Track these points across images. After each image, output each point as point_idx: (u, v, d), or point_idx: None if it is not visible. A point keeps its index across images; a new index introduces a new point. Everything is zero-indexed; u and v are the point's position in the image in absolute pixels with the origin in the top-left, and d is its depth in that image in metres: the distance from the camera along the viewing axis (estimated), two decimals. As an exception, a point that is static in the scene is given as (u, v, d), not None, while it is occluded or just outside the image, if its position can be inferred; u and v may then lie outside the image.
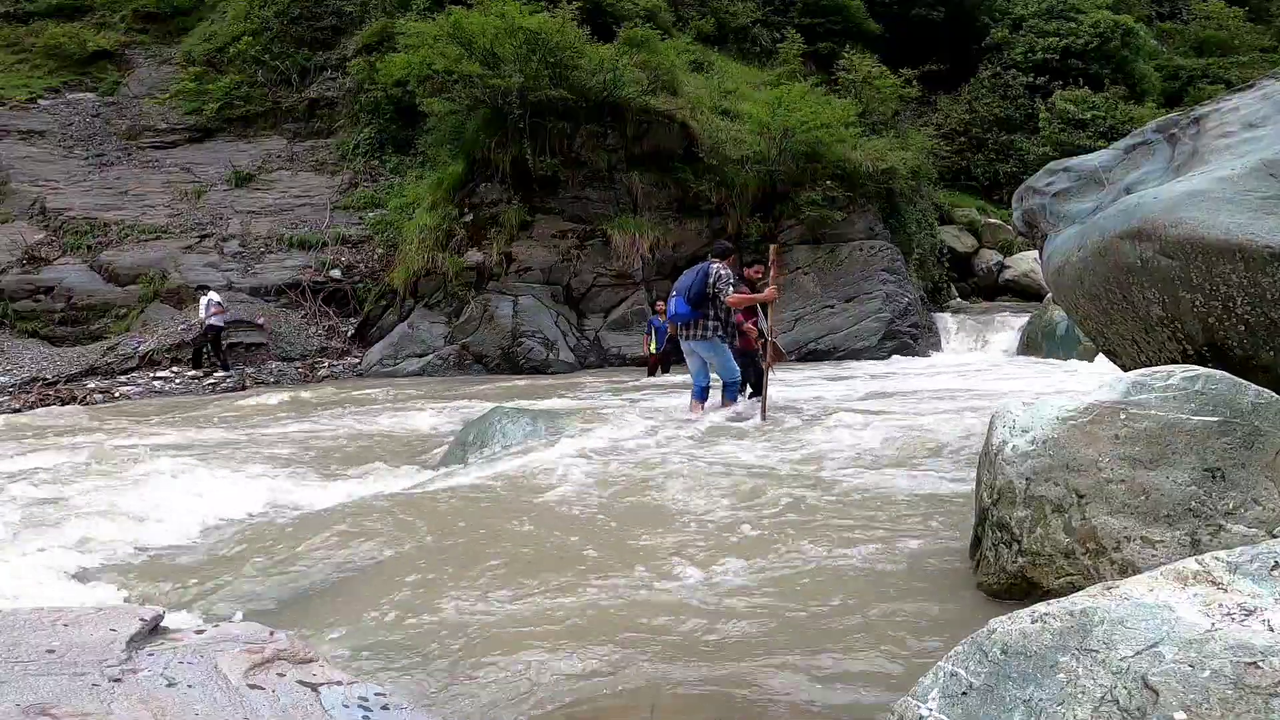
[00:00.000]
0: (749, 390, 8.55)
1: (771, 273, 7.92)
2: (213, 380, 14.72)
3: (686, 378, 9.01)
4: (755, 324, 8.60)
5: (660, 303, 14.59)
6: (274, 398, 12.25)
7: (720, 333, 7.65)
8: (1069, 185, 5.55)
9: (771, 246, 8.30)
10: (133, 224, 17.82)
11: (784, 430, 7.36)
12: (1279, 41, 31.15)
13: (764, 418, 7.54)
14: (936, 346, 15.91)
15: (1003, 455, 3.47)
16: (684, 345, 8.00)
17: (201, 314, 15.02)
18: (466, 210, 16.30)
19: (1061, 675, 1.67)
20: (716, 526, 4.67)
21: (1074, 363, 12.67)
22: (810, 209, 16.18)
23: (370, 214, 18.60)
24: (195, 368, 15.05)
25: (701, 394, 8.14)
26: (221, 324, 15.13)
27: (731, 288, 7.54)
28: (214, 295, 15.22)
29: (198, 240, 17.87)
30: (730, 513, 4.90)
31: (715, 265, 7.63)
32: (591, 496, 5.35)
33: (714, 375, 8.17)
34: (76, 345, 15.82)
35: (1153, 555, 3.02)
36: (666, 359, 13.57)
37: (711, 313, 7.60)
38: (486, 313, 15.34)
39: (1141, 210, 4.49)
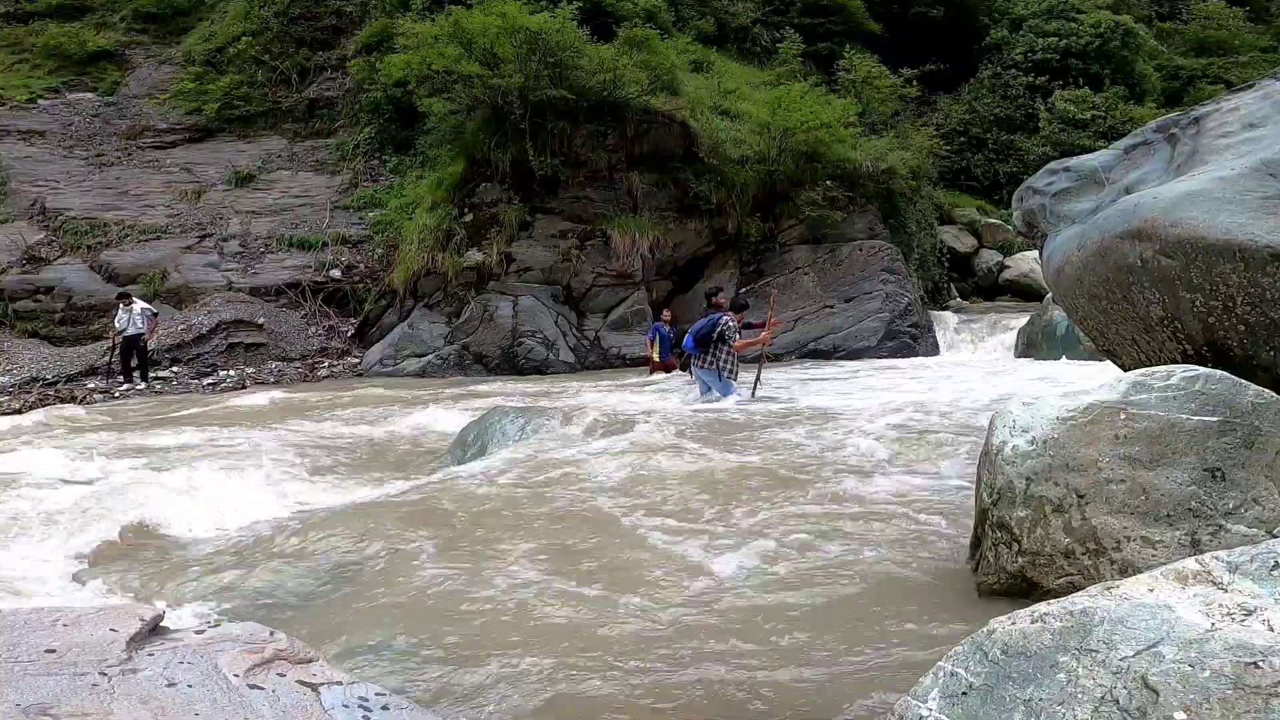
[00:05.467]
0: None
1: (770, 315, 10.39)
2: (212, 380, 14.71)
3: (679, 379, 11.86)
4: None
5: (666, 311, 14.51)
6: (274, 398, 12.25)
7: (717, 365, 9.60)
8: (1069, 185, 5.55)
9: (772, 293, 11.70)
10: (133, 224, 17.81)
11: (783, 427, 7.36)
12: (1279, 41, 31.12)
13: (753, 394, 9.73)
14: (936, 347, 15.89)
15: (1003, 455, 3.47)
16: (694, 371, 10.07)
17: (138, 324, 14.17)
18: (466, 210, 16.28)
19: (1061, 675, 1.67)
20: (715, 523, 4.67)
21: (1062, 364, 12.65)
22: (810, 209, 16.16)
23: (370, 214, 18.57)
24: (128, 380, 14.16)
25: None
26: (143, 332, 14.28)
27: (739, 335, 9.74)
28: (145, 304, 14.57)
29: (198, 240, 17.86)
30: (728, 510, 4.90)
31: (725, 318, 9.57)
32: (592, 494, 5.35)
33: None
34: (76, 345, 15.81)
35: (1153, 555, 3.02)
36: (671, 366, 13.44)
37: (712, 351, 9.56)
38: (486, 313, 15.32)
39: (1141, 210, 4.49)
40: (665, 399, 10.38)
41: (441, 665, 3.10)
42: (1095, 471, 3.22)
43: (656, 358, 13.35)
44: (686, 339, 9.84)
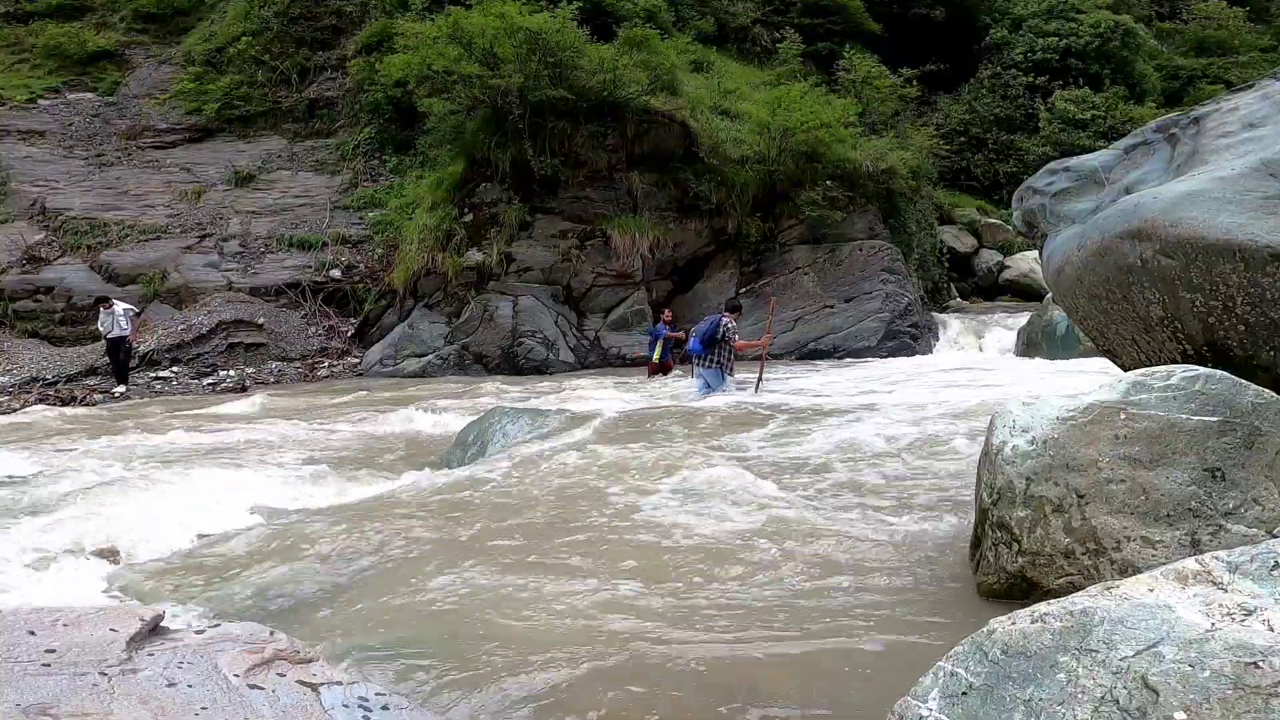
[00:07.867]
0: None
1: (768, 322, 11.13)
2: (212, 380, 14.71)
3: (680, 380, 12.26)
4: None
5: (667, 312, 14.47)
6: (273, 398, 12.25)
7: (718, 365, 10.24)
8: (1069, 185, 5.54)
9: (771, 300, 12.55)
10: (133, 224, 17.80)
11: (782, 425, 7.36)
12: (1279, 41, 31.11)
13: (756, 389, 10.29)
14: (936, 346, 15.90)
15: (1003, 455, 3.47)
16: (696, 370, 10.64)
17: (122, 325, 14.09)
18: (466, 210, 16.28)
19: (1061, 675, 1.67)
20: (711, 520, 4.66)
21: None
22: (810, 209, 16.16)
23: (370, 214, 18.57)
24: (121, 382, 14.06)
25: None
26: (127, 333, 14.20)
27: (738, 337, 10.46)
28: (128, 305, 14.51)
29: (198, 240, 17.85)
30: (728, 508, 4.89)
31: (726, 319, 10.24)
32: (594, 494, 5.35)
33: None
34: (76, 345, 15.81)
35: (1153, 555, 3.02)
36: (669, 368, 13.41)
37: (716, 352, 10.17)
38: (486, 313, 15.32)
39: (1141, 210, 4.49)
40: (665, 398, 10.38)
41: (443, 665, 3.10)
42: (1095, 471, 3.22)
43: (656, 359, 13.32)
44: (693, 341, 10.41)
